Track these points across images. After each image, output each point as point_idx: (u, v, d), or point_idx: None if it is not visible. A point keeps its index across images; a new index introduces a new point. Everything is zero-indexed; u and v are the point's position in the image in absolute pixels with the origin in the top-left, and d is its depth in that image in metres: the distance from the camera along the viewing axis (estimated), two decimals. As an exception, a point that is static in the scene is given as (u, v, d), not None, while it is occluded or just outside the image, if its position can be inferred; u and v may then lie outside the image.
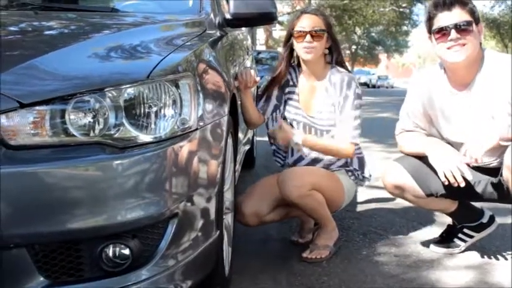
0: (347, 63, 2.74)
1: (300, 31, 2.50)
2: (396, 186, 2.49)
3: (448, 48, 2.21)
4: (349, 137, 2.49)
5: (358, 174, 2.62)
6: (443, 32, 2.21)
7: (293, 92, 2.64)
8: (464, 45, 2.19)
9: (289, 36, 2.58)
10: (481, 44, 2.27)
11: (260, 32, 30.05)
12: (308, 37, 2.49)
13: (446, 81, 2.34)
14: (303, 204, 2.43)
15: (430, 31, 2.28)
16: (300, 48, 2.52)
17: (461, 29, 2.18)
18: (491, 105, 2.21)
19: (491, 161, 2.32)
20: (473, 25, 2.20)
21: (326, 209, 2.51)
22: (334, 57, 2.60)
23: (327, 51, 2.58)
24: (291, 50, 2.61)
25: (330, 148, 2.51)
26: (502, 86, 2.18)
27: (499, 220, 2.66)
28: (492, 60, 2.26)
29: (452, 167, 2.17)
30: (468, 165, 2.42)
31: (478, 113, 2.25)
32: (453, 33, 2.18)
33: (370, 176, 2.68)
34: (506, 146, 2.17)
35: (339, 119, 2.52)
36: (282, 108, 2.66)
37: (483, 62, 2.26)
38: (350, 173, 2.61)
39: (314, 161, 2.59)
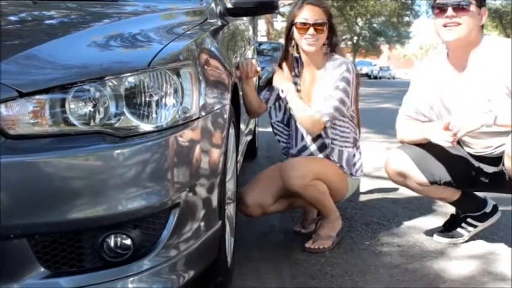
0: (348, 54, 2.71)
1: (303, 23, 2.47)
2: (399, 173, 2.47)
3: (443, 26, 2.20)
4: (323, 110, 2.42)
5: (360, 164, 2.60)
6: (441, 7, 2.20)
7: (295, 83, 2.62)
8: (459, 24, 2.18)
9: (290, 26, 2.53)
10: (482, 26, 2.25)
11: (261, 24, 29.96)
12: (311, 30, 2.45)
13: (447, 64, 2.33)
14: (306, 194, 2.42)
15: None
16: (302, 39, 2.48)
17: (459, 7, 2.17)
18: (487, 88, 2.19)
19: (491, 150, 2.31)
20: (473, 6, 2.18)
21: (329, 199, 2.50)
22: (330, 43, 2.56)
23: (327, 41, 2.56)
24: (291, 40, 2.57)
25: (303, 112, 2.45)
26: (499, 68, 2.16)
27: (502, 210, 2.64)
28: (489, 43, 2.25)
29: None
30: (470, 154, 2.42)
31: (474, 96, 2.23)
32: (449, 11, 2.17)
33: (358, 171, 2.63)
34: (504, 134, 2.16)
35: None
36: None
37: (480, 45, 2.24)
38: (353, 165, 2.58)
39: (318, 151, 2.57)
